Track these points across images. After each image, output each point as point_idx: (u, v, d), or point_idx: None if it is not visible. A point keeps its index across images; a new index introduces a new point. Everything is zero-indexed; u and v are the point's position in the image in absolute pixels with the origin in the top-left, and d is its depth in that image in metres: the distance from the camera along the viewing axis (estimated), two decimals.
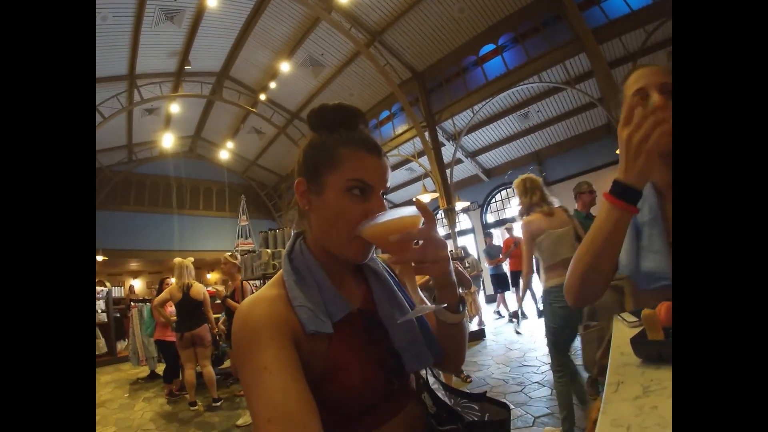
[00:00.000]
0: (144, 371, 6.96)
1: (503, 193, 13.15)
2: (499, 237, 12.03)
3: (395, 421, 0.78)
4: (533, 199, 2.90)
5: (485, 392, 0.93)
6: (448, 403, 0.91)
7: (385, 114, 12.06)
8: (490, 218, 13.34)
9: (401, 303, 0.83)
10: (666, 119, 0.79)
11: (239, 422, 3.96)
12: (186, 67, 11.13)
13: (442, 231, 14.12)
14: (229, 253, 4.72)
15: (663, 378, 0.56)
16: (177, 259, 4.80)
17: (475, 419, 0.89)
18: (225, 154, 14.99)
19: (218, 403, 4.67)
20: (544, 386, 3.84)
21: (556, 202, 2.94)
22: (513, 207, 12.94)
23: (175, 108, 12.16)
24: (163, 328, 5.31)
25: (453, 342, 0.85)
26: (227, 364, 6.02)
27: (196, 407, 4.59)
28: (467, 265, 8.29)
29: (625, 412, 0.50)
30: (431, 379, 0.94)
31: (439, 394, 0.92)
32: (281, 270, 0.80)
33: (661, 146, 0.82)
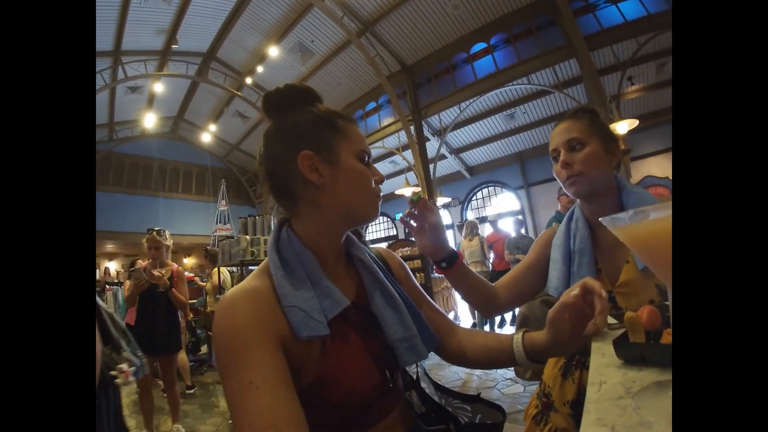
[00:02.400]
0: None
1: (485, 191, 13.29)
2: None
3: (391, 417, 0.76)
4: None
5: (479, 393, 0.92)
6: (439, 402, 0.89)
7: (371, 105, 12.00)
8: (471, 215, 13.46)
9: (393, 294, 0.80)
10: (573, 172, 1.06)
11: None
12: (173, 46, 10.83)
13: None
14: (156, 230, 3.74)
15: (645, 379, 0.58)
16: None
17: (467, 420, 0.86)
18: (207, 137, 14.70)
19: (192, 390, 4.61)
20: (517, 383, 3.91)
21: None
22: (494, 205, 13.11)
23: (159, 87, 11.81)
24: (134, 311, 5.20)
25: (493, 364, 0.85)
26: (204, 350, 5.96)
27: (191, 390, 4.55)
28: None
29: (609, 412, 0.51)
30: (418, 377, 0.92)
31: (430, 393, 0.90)
32: (267, 259, 0.75)
33: (574, 194, 1.10)
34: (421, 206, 1.02)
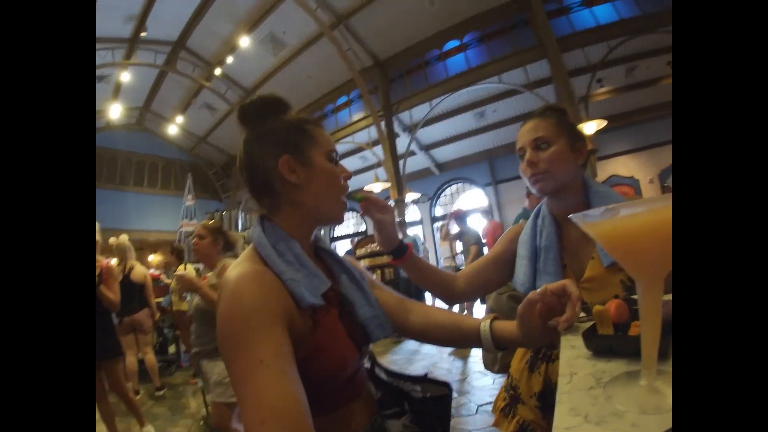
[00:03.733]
0: None
1: (453, 187, 13.44)
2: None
3: (362, 397, 0.84)
4: None
5: (426, 374, 0.98)
6: (392, 384, 0.96)
7: (342, 100, 11.93)
8: (440, 211, 13.61)
9: (357, 280, 0.88)
10: (538, 171, 1.07)
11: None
12: (142, 34, 10.43)
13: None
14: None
15: (614, 369, 0.60)
16: (116, 239, 4.50)
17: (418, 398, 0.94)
18: (174, 129, 14.27)
19: (161, 392, 4.48)
20: (486, 375, 3.98)
21: None
22: (462, 201, 13.28)
23: (126, 77, 11.39)
24: None
25: (459, 343, 0.92)
26: (172, 350, 5.79)
27: (139, 396, 4.36)
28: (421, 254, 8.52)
29: (581, 401, 0.52)
30: (373, 365, 0.99)
31: (383, 377, 0.97)
32: (251, 246, 0.79)
33: (539, 191, 1.12)
34: (364, 206, 1.08)
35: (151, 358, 4.53)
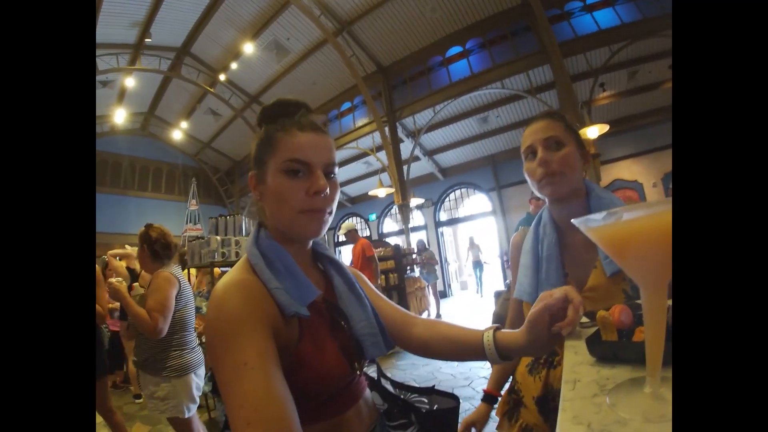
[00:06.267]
0: None
1: (458, 192, 13.42)
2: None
3: (357, 407, 0.81)
4: None
5: (433, 386, 0.97)
6: (399, 397, 0.95)
7: (346, 105, 11.96)
8: (444, 216, 13.59)
9: (359, 294, 0.86)
10: (551, 171, 1.03)
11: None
12: (146, 40, 10.52)
13: (395, 226, 14.26)
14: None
15: (618, 376, 0.59)
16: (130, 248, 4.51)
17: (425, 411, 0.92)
18: (178, 134, 14.35)
19: (141, 400, 4.44)
20: None
21: None
22: (466, 206, 13.27)
23: (130, 82, 11.51)
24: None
25: (462, 355, 0.86)
26: None
27: (141, 400, 4.33)
28: (424, 259, 8.57)
29: (585, 410, 0.51)
30: (379, 377, 0.98)
31: (389, 389, 0.96)
32: (244, 256, 0.78)
33: (550, 194, 1.08)
34: None
35: (132, 367, 4.48)
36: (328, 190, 0.76)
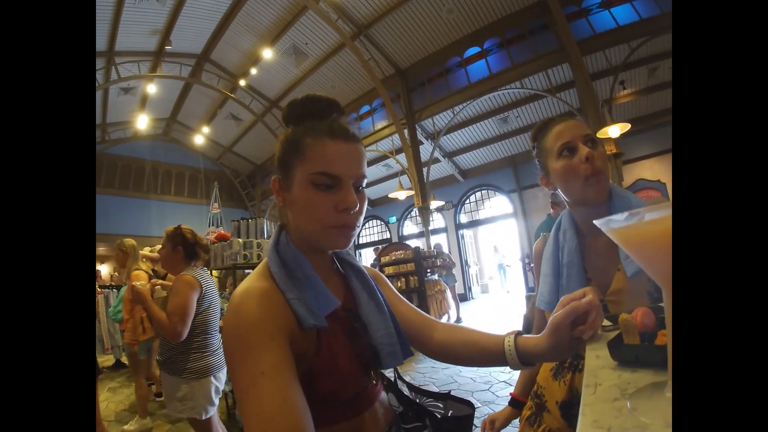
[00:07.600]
0: (109, 360, 6.73)
1: (478, 194, 13.32)
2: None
3: (373, 409, 0.82)
4: None
5: (449, 392, 0.97)
6: (414, 400, 0.95)
7: (365, 108, 12.02)
8: (464, 218, 13.50)
9: (380, 302, 0.85)
10: (598, 169, 1.00)
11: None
12: (166, 47, 10.79)
13: (416, 229, 14.23)
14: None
15: (640, 380, 0.58)
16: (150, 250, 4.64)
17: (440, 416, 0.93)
18: (200, 139, 14.64)
19: (162, 398, 4.54)
20: (511, 385, 3.91)
21: None
22: (487, 208, 13.16)
23: (152, 89, 11.78)
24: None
25: (482, 361, 0.85)
26: None
27: (161, 398, 4.42)
28: (439, 262, 8.49)
29: (605, 414, 0.50)
30: (396, 379, 0.98)
31: (405, 393, 0.96)
32: (264, 261, 0.78)
33: (596, 194, 1.03)
34: None
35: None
36: (357, 206, 0.73)
